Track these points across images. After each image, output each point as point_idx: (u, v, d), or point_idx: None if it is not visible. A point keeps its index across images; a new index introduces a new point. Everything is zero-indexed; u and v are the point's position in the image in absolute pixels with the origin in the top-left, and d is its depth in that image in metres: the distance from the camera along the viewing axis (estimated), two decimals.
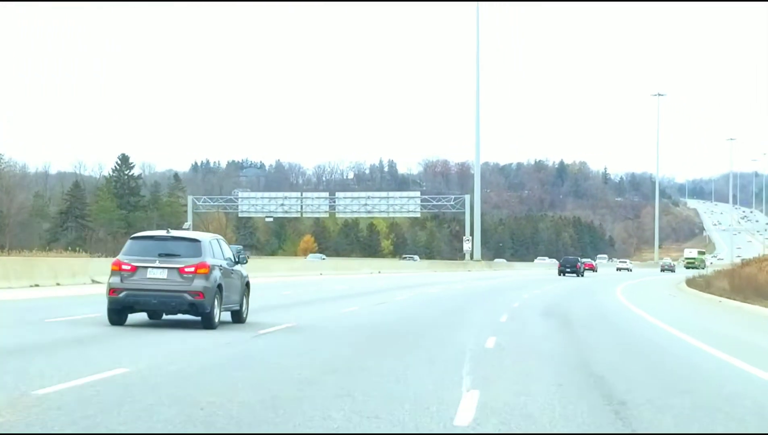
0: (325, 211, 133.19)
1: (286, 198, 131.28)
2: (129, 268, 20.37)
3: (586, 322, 27.96)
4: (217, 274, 20.72)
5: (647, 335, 24.41)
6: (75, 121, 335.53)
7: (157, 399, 10.97)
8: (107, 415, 9.93)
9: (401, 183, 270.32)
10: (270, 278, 56.86)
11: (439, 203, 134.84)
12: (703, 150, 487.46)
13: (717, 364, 17.60)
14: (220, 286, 20.77)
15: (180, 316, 21.68)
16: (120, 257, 20.80)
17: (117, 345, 17.04)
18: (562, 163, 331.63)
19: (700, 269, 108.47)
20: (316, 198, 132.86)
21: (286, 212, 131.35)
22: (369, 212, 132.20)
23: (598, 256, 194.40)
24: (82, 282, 43.01)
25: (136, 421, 9.73)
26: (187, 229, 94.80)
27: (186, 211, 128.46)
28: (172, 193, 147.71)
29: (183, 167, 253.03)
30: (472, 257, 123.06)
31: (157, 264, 20.34)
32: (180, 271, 20.25)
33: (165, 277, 20.27)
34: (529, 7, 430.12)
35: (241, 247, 67.75)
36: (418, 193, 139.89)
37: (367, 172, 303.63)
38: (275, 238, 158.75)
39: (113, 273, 20.56)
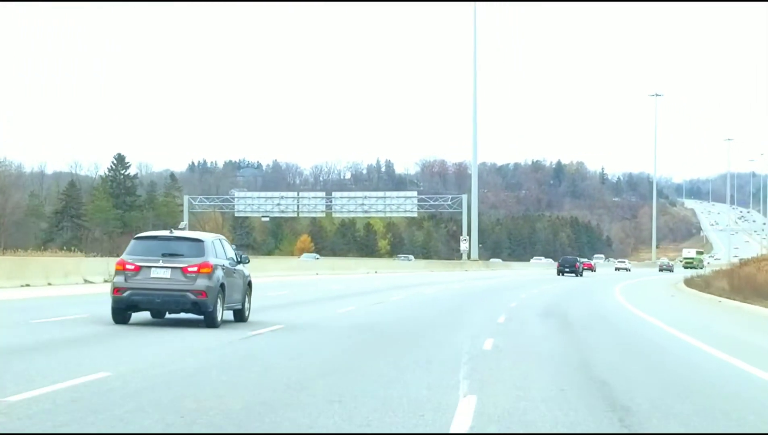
0: (322, 211, 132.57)
1: (282, 198, 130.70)
2: (133, 267, 20.66)
3: (585, 323, 27.43)
4: (219, 273, 20.96)
5: (648, 336, 23.91)
6: (72, 121, 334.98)
7: (136, 405, 10.40)
8: (80, 424, 9.37)
9: (398, 183, 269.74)
10: (266, 278, 56.27)
11: (436, 203, 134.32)
12: (701, 150, 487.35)
13: (722, 367, 17.06)
14: (222, 286, 21.01)
15: (182, 315, 21.81)
16: (124, 257, 21.07)
17: (102, 347, 16.45)
18: (559, 163, 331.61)
19: (698, 269, 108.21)
20: (313, 198, 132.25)
21: (283, 212, 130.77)
22: (366, 212, 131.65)
23: (595, 255, 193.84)
24: (74, 282, 42.49)
25: (110, 430, 9.17)
26: (183, 228, 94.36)
27: (182, 211, 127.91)
28: (169, 192, 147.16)
29: (180, 167, 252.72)
30: (469, 257, 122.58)
31: (160, 263, 20.61)
32: (183, 270, 20.53)
33: (168, 276, 20.54)
34: (527, 8, 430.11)
35: (233, 246, 67.07)
36: (415, 193, 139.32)
37: (365, 172, 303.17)
38: (272, 238, 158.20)
39: (117, 272, 20.86)
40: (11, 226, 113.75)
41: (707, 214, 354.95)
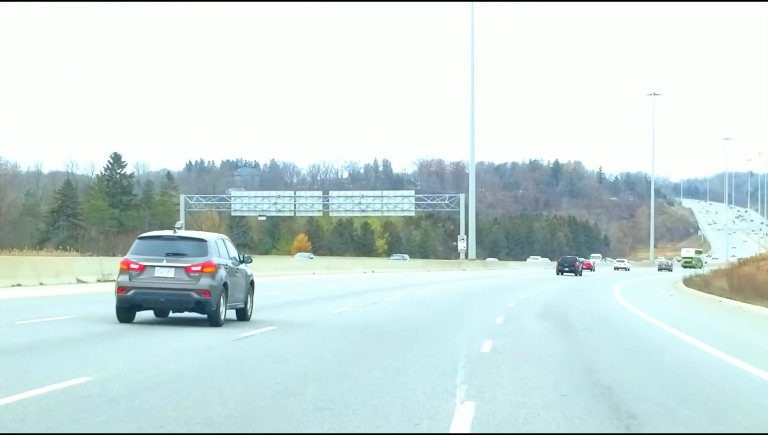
0: (319, 210, 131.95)
1: (279, 197, 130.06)
2: (137, 267, 20.88)
3: (586, 324, 26.84)
4: (222, 273, 21.18)
5: (650, 337, 23.35)
6: (68, 120, 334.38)
7: (113, 414, 9.78)
8: None
9: (396, 182, 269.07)
10: (261, 278, 55.46)
11: (434, 202, 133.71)
12: (699, 149, 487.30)
13: (729, 371, 16.46)
14: (225, 285, 21.25)
15: (182, 315, 21.93)
16: (128, 256, 21.27)
17: (85, 350, 15.79)
18: (557, 162, 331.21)
19: (697, 268, 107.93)
20: (310, 196, 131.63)
21: (280, 211, 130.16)
22: (363, 211, 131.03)
23: (592, 255, 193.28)
24: (66, 281, 41.85)
25: None
26: (180, 228, 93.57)
27: (179, 211, 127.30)
28: (165, 192, 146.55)
29: (177, 167, 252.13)
30: (467, 256, 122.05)
31: (164, 263, 20.85)
32: (187, 270, 20.75)
33: (172, 275, 20.75)
34: (525, 7, 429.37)
35: None
36: (412, 192, 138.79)
37: (362, 171, 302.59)
38: (269, 238, 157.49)
39: (122, 272, 21.04)
40: (7, 226, 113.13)
41: (705, 213, 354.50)
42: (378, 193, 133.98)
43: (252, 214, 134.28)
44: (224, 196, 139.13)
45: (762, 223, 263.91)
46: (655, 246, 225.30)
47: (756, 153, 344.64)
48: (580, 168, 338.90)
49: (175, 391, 11.46)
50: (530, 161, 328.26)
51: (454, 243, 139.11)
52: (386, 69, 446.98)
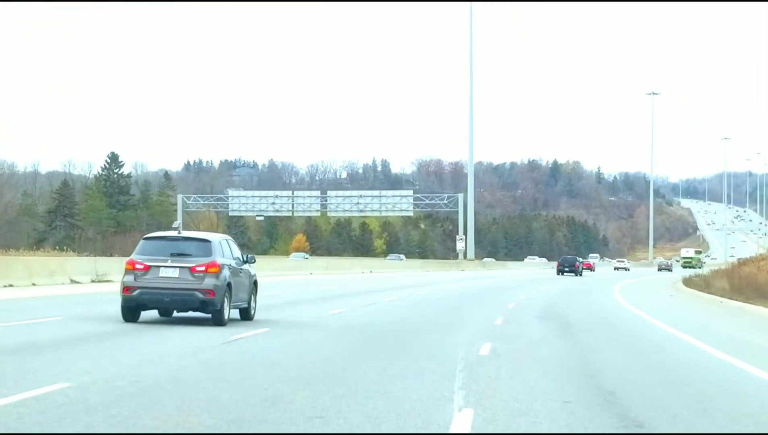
0: (317, 210, 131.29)
1: (277, 196, 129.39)
2: (142, 267, 21.10)
3: (587, 325, 26.26)
4: (226, 273, 21.41)
5: (653, 339, 22.81)
6: (66, 120, 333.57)
7: (88, 424, 9.18)
8: None
9: (394, 182, 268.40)
10: (259, 278, 55.02)
11: (432, 202, 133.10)
12: (697, 149, 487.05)
13: (736, 374, 15.88)
14: (229, 285, 21.48)
15: (181, 314, 22.08)
16: (133, 257, 21.49)
17: (69, 354, 15.16)
18: (555, 162, 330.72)
19: (697, 269, 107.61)
20: (308, 196, 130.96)
21: (277, 211, 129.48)
22: (361, 211, 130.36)
23: (590, 255, 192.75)
24: (60, 282, 41.28)
25: None
26: (177, 228, 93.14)
27: (176, 210, 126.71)
28: (163, 191, 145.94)
29: (176, 167, 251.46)
30: (465, 256, 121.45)
31: (169, 263, 21.07)
32: (191, 270, 20.96)
33: (177, 275, 20.98)
34: (523, 7, 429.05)
35: None
36: (410, 192, 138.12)
37: (361, 171, 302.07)
38: (267, 238, 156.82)
39: (127, 272, 21.29)
40: (4, 226, 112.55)
41: (704, 213, 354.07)
42: (376, 193, 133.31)
43: (250, 214, 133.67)
44: (222, 196, 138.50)
45: (761, 223, 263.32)
46: (653, 246, 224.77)
47: (755, 153, 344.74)
48: (578, 168, 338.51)
49: (156, 399, 10.85)
50: (529, 161, 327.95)
51: (453, 243, 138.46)
52: (385, 69, 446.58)
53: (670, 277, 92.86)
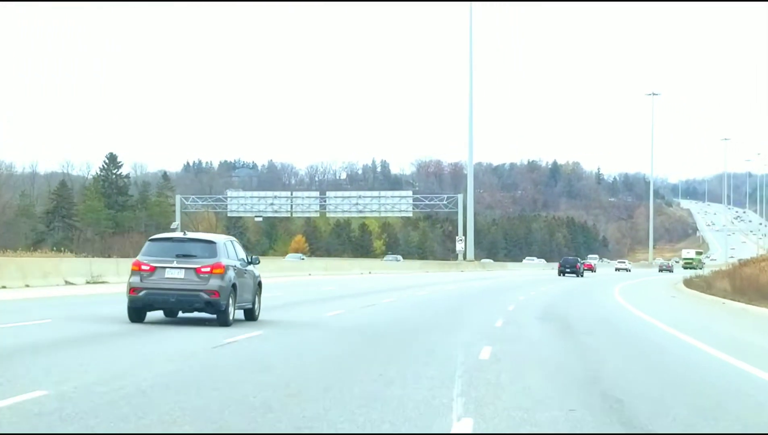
0: (316, 211, 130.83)
1: (275, 197, 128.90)
2: (148, 268, 21.35)
3: (589, 327, 25.70)
4: (231, 274, 21.67)
5: (657, 341, 22.27)
6: (65, 120, 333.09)
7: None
8: None
9: (394, 183, 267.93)
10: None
11: (432, 203, 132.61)
12: (697, 150, 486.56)
13: (746, 379, 15.29)
14: (234, 286, 21.75)
15: (195, 314, 22.25)
16: (139, 258, 21.74)
17: (52, 358, 14.54)
18: (555, 163, 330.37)
19: (698, 269, 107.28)
20: (307, 197, 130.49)
21: (276, 212, 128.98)
22: (360, 212, 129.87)
23: (589, 256, 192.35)
24: (54, 283, 40.72)
25: None
26: (175, 228, 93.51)
27: (174, 211, 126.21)
28: (161, 192, 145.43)
29: (175, 168, 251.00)
30: (465, 257, 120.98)
31: (174, 264, 21.31)
32: (197, 271, 21.20)
33: (182, 276, 21.21)
34: (523, 8, 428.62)
35: None
36: (410, 193, 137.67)
37: (360, 172, 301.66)
38: (266, 238, 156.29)
39: (133, 273, 21.54)
40: (1, 227, 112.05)
41: (703, 214, 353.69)
42: (375, 193, 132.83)
43: (248, 214, 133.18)
44: (220, 196, 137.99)
45: (761, 223, 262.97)
46: (653, 247, 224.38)
47: (755, 153, 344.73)
48: (578, 169, 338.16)
49: (138, 407, 10.26)
50: (528, 162, 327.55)
51: (453, 244, 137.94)
52: (384, 70, 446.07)
53: (671, 278, 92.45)
